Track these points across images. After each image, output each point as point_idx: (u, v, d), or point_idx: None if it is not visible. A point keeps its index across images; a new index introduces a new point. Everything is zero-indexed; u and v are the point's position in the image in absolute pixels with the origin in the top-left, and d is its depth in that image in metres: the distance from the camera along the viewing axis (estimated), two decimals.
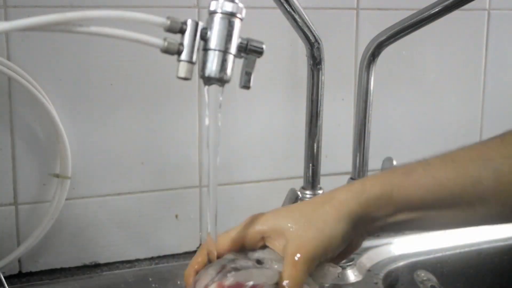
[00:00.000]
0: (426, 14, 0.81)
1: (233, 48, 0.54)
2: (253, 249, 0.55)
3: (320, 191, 0.84)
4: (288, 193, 0.82)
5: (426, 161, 0.56)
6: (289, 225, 0.53)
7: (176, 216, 0.93)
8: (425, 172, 0.54)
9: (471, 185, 0.52)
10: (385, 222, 0.54)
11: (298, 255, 0.50)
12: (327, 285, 0.55)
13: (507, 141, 0.53)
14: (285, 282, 0.50)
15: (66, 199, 0.85)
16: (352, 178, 0.88)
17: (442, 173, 0.54)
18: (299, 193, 0.81)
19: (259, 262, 0.53)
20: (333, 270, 0.54)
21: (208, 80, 0.55)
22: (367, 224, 0.54)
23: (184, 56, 0.53)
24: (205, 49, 0.54)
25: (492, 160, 0.52)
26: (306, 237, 0.51)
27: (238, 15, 0.54)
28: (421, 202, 0.53)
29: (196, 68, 0.54)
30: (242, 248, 0.56)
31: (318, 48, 0.80)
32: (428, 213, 0.53)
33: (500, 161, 0.51)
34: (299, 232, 0.52)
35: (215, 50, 0.53)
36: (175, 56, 0.53)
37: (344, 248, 0.54)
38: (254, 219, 0.56)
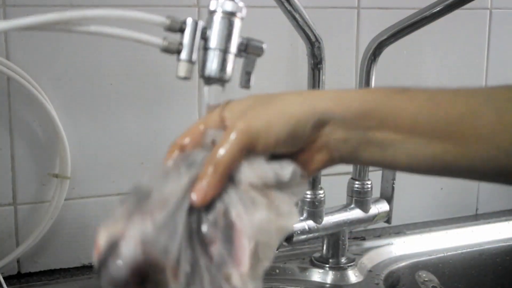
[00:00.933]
0: (427, 13, 0.81)
1: (233, 48, 0.54)
2: None
3: (321, 192, 0.83)
4: None
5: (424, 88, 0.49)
6: (249, 103, 0.49)
7: None
8: (423, 91, 0.48)
9: (470, 116, 0.46)
10: (359, 140, 0.48)
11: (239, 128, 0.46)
12: (297, 199, 0.50)
13: None
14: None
15: (66, 199, 0.84)
16: (352, 178, 0.88)
17: (441, 96, 0.48)
18: None
19: (214, 142, 0.49)
20: (301, 181, 0.48)
21: (208, 80, 0.55)
22: (335, 135, 0.48)
23: (184, 55, 0.53)
24: (205, 49, 0.54)
25: (495, 99, 0.48)
26: (253, 116, 0.47)
27: (238, 15, 0.53)
28: (411, 120, 0.47)
29: (196, 68, 0.54)
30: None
31: (319, 48, 0.79)
32: (415, 139, 0.47)
33: (504, 102, 0.47)
34: (250, 111, 0.48)
35: (215, 49, 0.53)
36: (175, 56, 0.53)
37: (295, 147, 0.48)
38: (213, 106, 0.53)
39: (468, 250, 1.00)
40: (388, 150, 0.48)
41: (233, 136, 0.46)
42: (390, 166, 0.51)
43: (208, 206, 0.45)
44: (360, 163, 0.56)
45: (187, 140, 0.53)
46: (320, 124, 0.48)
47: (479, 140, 0.46)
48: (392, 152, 0.48)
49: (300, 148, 0.49)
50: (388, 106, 0.47)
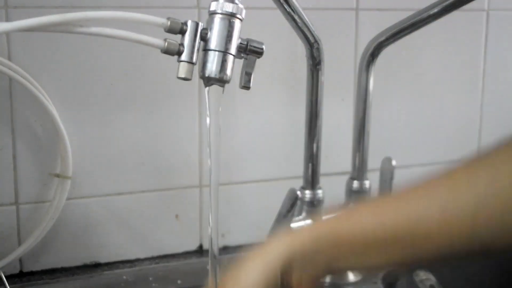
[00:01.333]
0: (425, 14, 0.81)
1: (233, 49, 0.54)
2: None
3: (320, 191, 0.84)
4: (288, 193, 0.82)
5: (368, 202, 0.56)
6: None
7: (176, 216, 0.94)
8: (366, 211, 0.53)
9: (415, 223, 0.49)
10: (326, 266, 0.54)
11: None
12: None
13: (454, 175, 0.50)
14: None
15: (67, 199, 0.85)
16: (352, 178, 0.88)
17: (385, 213, 0.52)
18: (298, 192, 0.81)
19: None
20: None
21: (208, 81, 0.55)
22: (307, 269, 0.54)
23: (184, 56, 0.53)
24: (205, 50, 0.54)
25: (438, 198, 0.49)
26: None
27: (238, 16, 0.54)
28: (361, 247, 0.52)
29: (196, 69, 0.55)
30: None
31: (318, 49, 0.80)
32: (369, 256, 0.52)
33: (446, 198, 0.49)
34: None
35: (215, 50, 0.54)
36: (176, 57, 0.54)
37: None
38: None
39: None
40: (353, 268, 0.57)
41: None
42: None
43: None
44: None
45: None
46: (286, 269, 0.53)
47: (429, 240, 0.49)
48: (359, 267, 0.55)
49: None
50: (337, 235, 0.52)
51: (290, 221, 0.81)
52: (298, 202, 0.83)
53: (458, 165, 0.49)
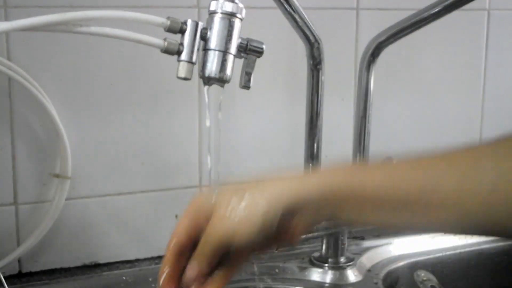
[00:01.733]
0: (426, 14, 0.81)
1: (233, 48, 0.54)
2: None
3: None
4: None
5: (383, 163, 0.54)
6: (215, 204, 0.54)
7: (176, 216, 0.93)
8: (380, 169, 0.52)
9: (430, 188, 0.48)
10: (328, 214, 0.52)
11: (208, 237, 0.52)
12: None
13: (476, 149, 0.49)
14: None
15: (66, 199, 0.85)
16: None
17: (399, 172, 0.51)
18: None
19: None
20: None
21: (208, 80, 0.55)
22: (305, 216, 0.52)
23: (184, 56, 0.53)
24: (205, 49, 0.54)
25: (456, 167, 0.48)
26: (220, 220, 0.52)
27: (238, 15, 0.54)
28: (372, 200, 0.50)
29: (196, 68, 0.54)
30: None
31: (318, 48, 0.80)
32: (378, 213, 0.51)
33: (465, 168, 0.48)
34: (218, 213, 0.53)
35: (215, 50, 0.54)
36: (175, 56, 0.53)
37: (269, 237, 0.52)
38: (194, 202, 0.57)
39: (467, 249, 1.00)
40: (355, 223, 0.54)
41: (206, 241, 0.52)
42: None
43: None
44: None
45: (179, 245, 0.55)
46: (288, 213, 0.51)
47: (442, 209, 0.47)
48: (362, 222, 0.53)
49: (275, 234, 0.52)
50: (349, 187, 0.51)
51: None
52: None
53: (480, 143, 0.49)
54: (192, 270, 0.53)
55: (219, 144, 0.58)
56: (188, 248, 0.54)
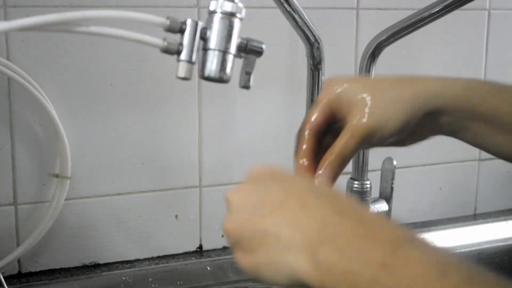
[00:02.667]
0: (426, 14, 0.81)
1: (232, 48, 0.54)
2: None
3: None
4: None
5: None
6: (360, 93, 0.52)
7: (176, 216, 0.93)
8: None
9: None
10: (457, 126, 0.54)
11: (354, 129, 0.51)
12: None
13: None
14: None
15: (66, 199, 0.85)
16: (352, 178, 0.88)
17: None
18: None
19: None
20: None
21: (207, 80, 0.55)
22: (438, 121, 0.53)
23: (183, 56, 0.53)
24: (205, 49, 0.54)
25: None
26: (370, 111, 0.51)
27: (238, 15, 0.54)
28: (503, 119, 0.52)
29: (196, 68, 0.54)
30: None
31: (318, 48, 0.80)
32: (503, 136, 0.53)
33: None
34: (366, 104, 0.52)
35: (214, 50, 0.53)
36: (175, 56, 0.53)
37: (405, 135, 0.53)
38: (332, 84, 0.55)
39: (467, 249, 1.00)
40: (479, 139, 0.54)
41: (351, 133, 0.51)
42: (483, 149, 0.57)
43: None
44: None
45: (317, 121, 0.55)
46: (427, 113, 0.52)
47: None
48: (483, 141, 0.54)
49: (414, 132, 0.54)
50: (487, 104, 0.53)
51: None
52: None
53: None
54: (336, 156, 0.52)
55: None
56: (323, 130, 0.54)
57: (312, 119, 0.54)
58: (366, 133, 0.51)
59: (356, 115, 0.51)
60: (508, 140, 0.53)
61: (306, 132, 0.54)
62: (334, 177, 0.53)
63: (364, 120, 0.51)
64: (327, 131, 0.55)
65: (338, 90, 0.53)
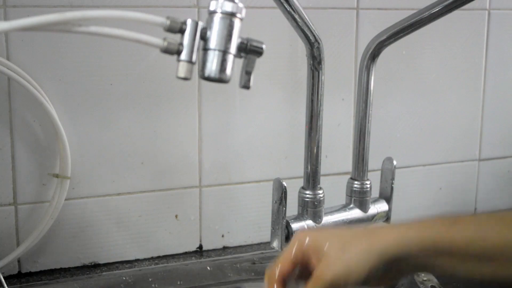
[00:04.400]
0: (426, 14, 0.81)
1: (233, 48, 0.54)
2: None
3: (320, 191, 0.84)
4: (274, 184, 0.81)
5: (473, 215, 0.60)
6: (326, 245, 0.58)
7: (176, 216, 0.93)
8: (473, 222, 0.58)
9: None
10: (423, 265, 0.57)
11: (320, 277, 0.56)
12: None
13: None
14: None
15: (66, 199, 0.85)
16: (352, 178, 0.88)
17: (488, 227, 0.56)
18: (284, 183, 0.80)
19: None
20: None
21: (208, 80, 0.55)
22: (403, 265, 0.57)
23: (183, 56, 0.53)
24: (205, 49, 0.54)
25: None
26: (333, 262, 0.56)
27: (238, 15, 0.54)
28: (463, 250, 0.55)
29: (196, 68, 0.54)
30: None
31: (318, 48, 0.79)
32: (467, 264, 0.56)
33: None
34: (330, 255, 0.57)
35: (215, 50, 0.53)
36: (175, 56, 0.53)
37: (374, 282, 0.57)
38: (301, 237, 0.61)
39: None
40: (447, 272, 0.57)
41: (314, 283, 0.56)
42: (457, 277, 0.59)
43: None
44: None
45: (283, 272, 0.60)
46: (391, 260, 0.56)
47: None
48: (451, 272, 0.57)
49: (378, 279, 0.58)
50: (444, 239, 0.56)
51: (285, 217, 0.81)
52: (298, 201, 0.83)
53: None
54: None
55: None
56: (290, 276, 0.59)
57: (281, 267, 0.59)
58: (329, 283, 0.55)
59: (321, 266, 0.56)
60: (476, 266, 0.55)
61: (276, 278, 0.59)
62: None
63: (327, 271, 0.56)
64: (303, 275, 0.59)
65: (306, 242, 0.59)
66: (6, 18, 0.79)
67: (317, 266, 0.57)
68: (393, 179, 0.89)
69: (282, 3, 0.75)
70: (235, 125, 0.94)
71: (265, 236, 0.97)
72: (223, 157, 0.94)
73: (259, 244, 0.99)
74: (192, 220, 0.94)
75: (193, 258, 0.94)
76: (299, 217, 0.83)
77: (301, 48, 0.83)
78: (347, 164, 0.90)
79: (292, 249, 0.59)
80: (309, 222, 0.83)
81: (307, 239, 0.59)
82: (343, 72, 0.99)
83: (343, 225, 0.86)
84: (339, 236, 0.59)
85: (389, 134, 1.05)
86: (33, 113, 0.83)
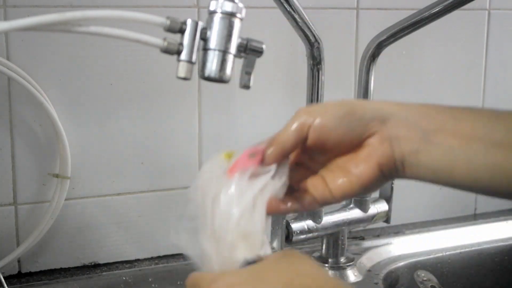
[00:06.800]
0: (426, 14, 0.81)
1: (233, 48, 0.54)
2: None
3: None
4: None
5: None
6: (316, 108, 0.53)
7: None
8: (483, 109, 0.52)
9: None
10: (421, 139, 0.49)
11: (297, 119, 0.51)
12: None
13: None
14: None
15: (66, 199, 0.84)
16: None
17: (500, 111, 0.51)
18: None
19: None
20: None
21: (207, 80, 0.55)
22: (399, 129, 0.50)
23: (183, 56, 0.53)
24: (205, 49, 0.54)
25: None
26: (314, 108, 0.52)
27: (238, 15, 0.54)
28: (470, 127, 0.49)
29: (196, 68, 0.54)
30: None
31: (318, 48, 0.79)
32: (474, 146, 0.48)
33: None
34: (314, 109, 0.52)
35: (215, 50, 0.53)
36: (175, 56, 0.53)
37: (359, 136, 0.51)
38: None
39: (467, 249, 1.00)
40: (448, 155, 0.48)
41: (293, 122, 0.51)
42: (450, 178, 0.49)
43: None
44: (418, 173, 0.51)
45: None
46: (381, 118, 0.50)
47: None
48: (452, 157, 0.48)
49: (358, 141, 0.51)
50: (448, 113, 0.49)
51: (285, 217, 0.81)
52: None
53: None
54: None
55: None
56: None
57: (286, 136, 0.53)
58: (302, 111, 0.52)
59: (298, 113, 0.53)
60: (481, 151, 0.48)
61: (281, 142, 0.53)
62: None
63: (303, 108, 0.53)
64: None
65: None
66: (6, 18, 0.79)
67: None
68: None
69: (282, 3, 0.75)
70: (235, 125, 0.94)
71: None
72: None
73: None
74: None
75: None
76: (299, 217, 0.83)
77: (301, 48, 0.83)
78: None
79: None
80: (309, 222, 0.83)
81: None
82: (343, 72, 0.99)
83: (344, 226, 0.87)
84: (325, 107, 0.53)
85: None
86: (33, 113, 0.83)
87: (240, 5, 0.54)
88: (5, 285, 0.79)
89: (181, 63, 0.53)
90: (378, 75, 0.86)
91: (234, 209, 0.50)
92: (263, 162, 0.52)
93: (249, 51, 0.55)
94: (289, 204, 0.53)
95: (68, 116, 0.84)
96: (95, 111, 0.86)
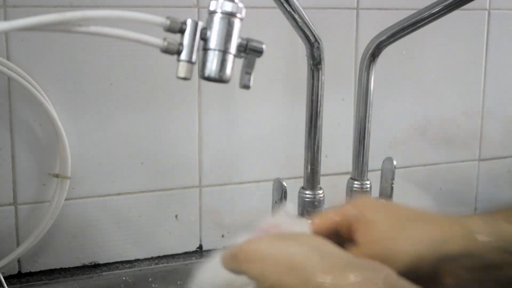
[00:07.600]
0: (426, 13, 0.81)
1: (233, 48, 0.54)
2: None
3: (320, 191, 0.84)
4: (274, 184, 0.81)
5: None
6: (376, 219, 0.52)
7: (176, 216, 0.93)
8: None
9: None
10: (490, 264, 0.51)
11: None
12: None
13: None
14: None
15: (66, 199, 0.84)
16: (352, 178, 0.88)
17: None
18: (284, 183, 0.80)
19: None
20: None
21: (207, 80, 0.55)
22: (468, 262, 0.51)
23: (183, 56, 0.53)
24: (205, 49, 0.54)
25: None
26: (379, 241, 0.50)
27: (238, 15, 0.54)
28: None
29: (196, 68, 0.54)
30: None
31: (318, 48, 0.79)
32: None
33: None
34: (379, 231, 0.51)
35: (215, 50, 0.53)
36: (175, 56, 0.53)
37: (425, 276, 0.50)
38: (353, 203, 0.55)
39: None
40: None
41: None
42: None
43: None
44: None
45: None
46: (441, 260, 0.50)
47: None
48: None
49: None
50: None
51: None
52: (298, 201, 0.83)
53: None
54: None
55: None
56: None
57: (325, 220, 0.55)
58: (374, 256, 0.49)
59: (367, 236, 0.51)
60: None
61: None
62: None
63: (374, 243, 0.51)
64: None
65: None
66: (6, 18, 0.79)
67: (360, 239, 0.51)
68: (393, 179, 0.89)
69: (282, 3, 0.75)
70: (235, 125, 0.94)
71: None
72: (223, 157, 0.94)
73: None
74: (192, 220, 0.94)
75: (193, 258, 0.94)
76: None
77: (301, 48, 0.83)
78: (347, 164, 0.90)
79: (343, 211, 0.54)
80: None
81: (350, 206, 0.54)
82: (343, 72, 0.99)
83: None
84: (397, 212, 0.52)
85: (389, 134, 1.05)
86: (33, 113, 0.83)
87: (240, 5, 0.54)
88: (5, 285, 0.79)
89: (181, 63, 0.53)
90: (378, 75, 0.86)
91: None
92: None
93: (249, 51, 0.55)
94: None
95: (68, 116, 0.84)
96: (95, 111, 0.86)
